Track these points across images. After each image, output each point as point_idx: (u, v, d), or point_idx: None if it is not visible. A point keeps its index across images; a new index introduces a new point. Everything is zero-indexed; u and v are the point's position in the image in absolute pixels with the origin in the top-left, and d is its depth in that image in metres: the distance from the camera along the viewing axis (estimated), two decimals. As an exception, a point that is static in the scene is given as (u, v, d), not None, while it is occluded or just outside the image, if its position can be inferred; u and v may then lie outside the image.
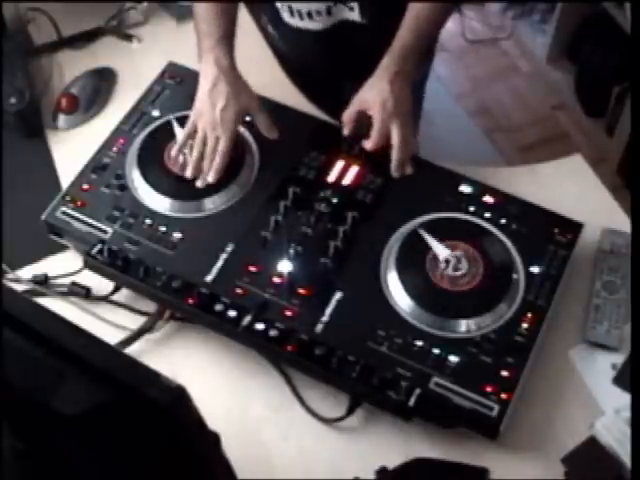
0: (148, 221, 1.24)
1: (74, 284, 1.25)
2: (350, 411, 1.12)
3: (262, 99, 1.38)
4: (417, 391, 1.07)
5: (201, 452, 0.74)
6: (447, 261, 1.18)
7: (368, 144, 1.28)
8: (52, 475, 0.79)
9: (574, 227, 1.24)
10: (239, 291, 1.16)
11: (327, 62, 1.54)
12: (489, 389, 1.08)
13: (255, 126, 1.32)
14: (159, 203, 1.26)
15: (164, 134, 1.33)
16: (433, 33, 1.38)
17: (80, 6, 1.60)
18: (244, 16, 1.63)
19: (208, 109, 1.26)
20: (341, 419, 1.12)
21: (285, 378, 1.16)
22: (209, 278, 1.18)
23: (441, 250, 1.19)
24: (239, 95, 1.28)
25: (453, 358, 1.11)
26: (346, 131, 1.31)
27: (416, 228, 1.22)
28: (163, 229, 1.23)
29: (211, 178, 1.26)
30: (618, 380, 1.11)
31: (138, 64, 1.54)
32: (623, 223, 1.28)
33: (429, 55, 1.60)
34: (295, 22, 1.43)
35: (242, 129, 1.33)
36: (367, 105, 1.28)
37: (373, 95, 1.28)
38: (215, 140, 1.26)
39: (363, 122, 1.30)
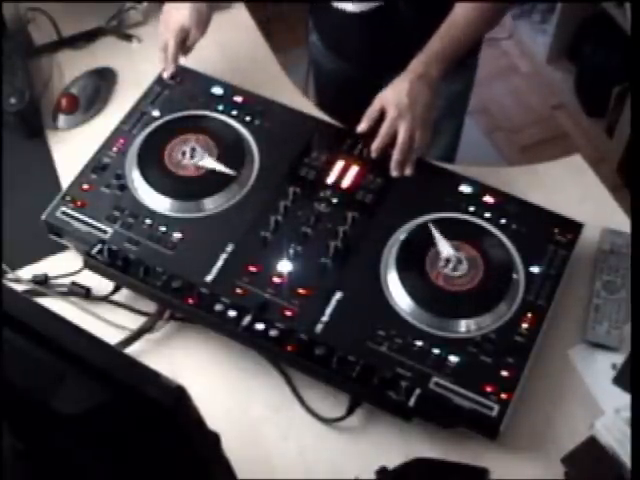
0: (148, 221, 1.24)
1: (74, 284, 1.25)
2: (350, 411, 1.12)
3: (262, 99, 1.38)
4: (417, 391, 1.07)
5: (201, 452, 0.74)
6: (448, 260, 1.18)
7: (374, 144, 1.28)
8: (52, 475, 0.79)
9: (574, 227, 1.24)
10: (239, 291, 1.16)
11: (365, 51, 1.54)
12: (489, 389, 1.08)
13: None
14: (159, 203, 1.26)
15: (164, 134, 1.33)
16: (466, 43, 1.33)
17: (80, 6, 1.60)
18: (244, 16, 1.63)
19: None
20: (341, 419, 1.12)
21: (285, 378, 1.16)
22: (209, 278, 1.18)
23: (445, 248, 1.19)
24: None
25: (453, 358, 1.11)
26: (361, 126, 1.29)
27: (427, 222, 1.22)
28: (163, 229, 1.23)
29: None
30: (618, 380, 1.12)
31: (138, 64, 1.54)
32: (623, 223, 1.28)
33: (470, 67, 1.58)
34: (337, 4, 1.44)
35: (242, 129, 1.34)
36: (386, 103, 1.28)
37: (391, 94, 1.28)
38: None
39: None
